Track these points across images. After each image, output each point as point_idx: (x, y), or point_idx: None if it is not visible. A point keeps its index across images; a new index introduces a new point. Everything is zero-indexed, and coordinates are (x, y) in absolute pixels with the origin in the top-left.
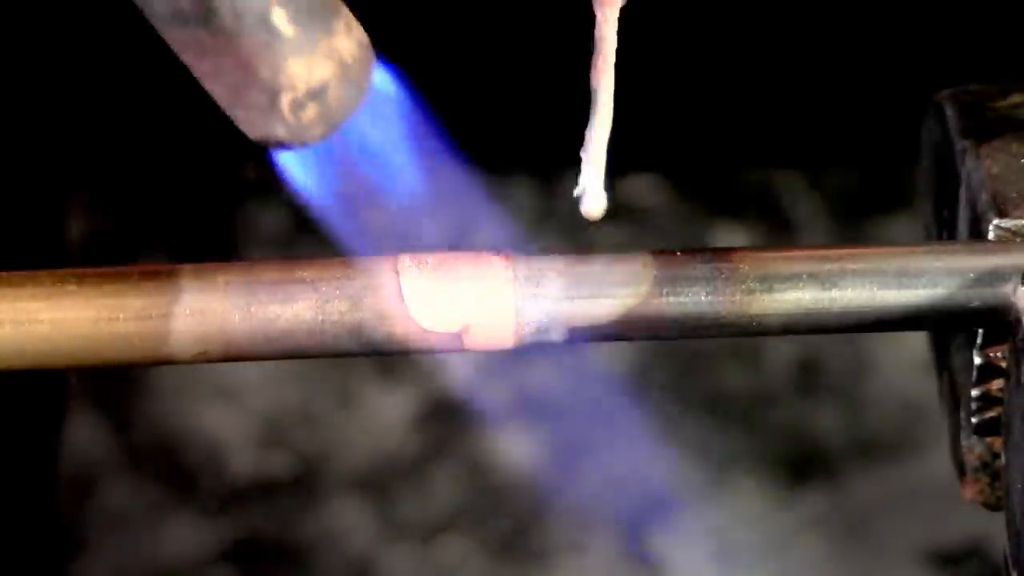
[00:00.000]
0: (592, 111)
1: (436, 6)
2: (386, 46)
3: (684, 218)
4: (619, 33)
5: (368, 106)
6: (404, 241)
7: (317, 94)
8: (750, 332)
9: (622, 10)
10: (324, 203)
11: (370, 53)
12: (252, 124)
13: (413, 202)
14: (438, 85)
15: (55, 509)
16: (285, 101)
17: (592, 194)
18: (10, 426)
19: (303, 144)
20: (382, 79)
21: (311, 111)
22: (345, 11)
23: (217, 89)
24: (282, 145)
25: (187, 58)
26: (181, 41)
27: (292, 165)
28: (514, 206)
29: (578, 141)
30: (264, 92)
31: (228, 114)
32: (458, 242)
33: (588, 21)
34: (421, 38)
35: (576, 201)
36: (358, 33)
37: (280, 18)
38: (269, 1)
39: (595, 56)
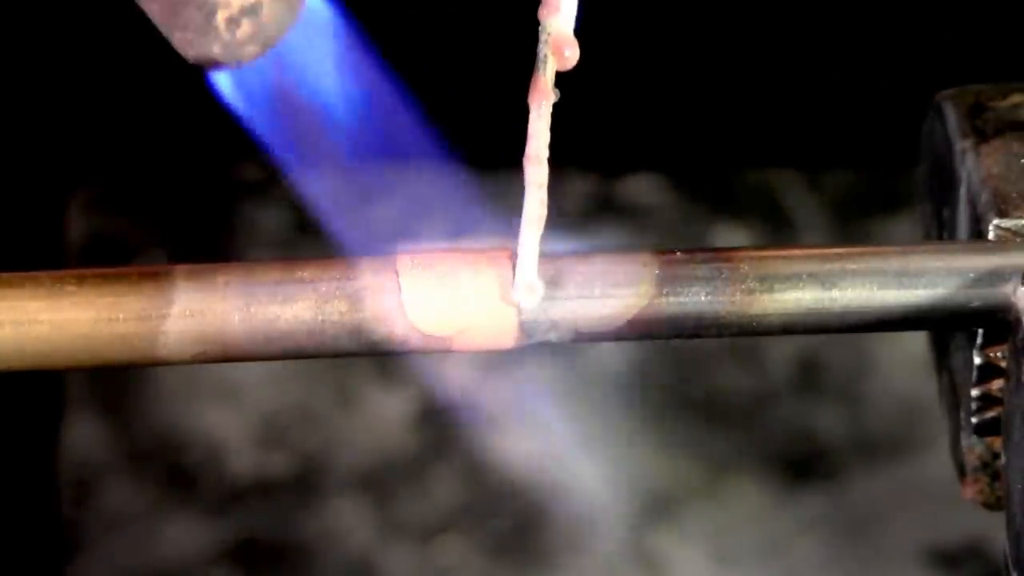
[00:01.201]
0: (524, 206)
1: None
2: (384, 46)
3: (684, 218)
4: (619, 33)
5: (300, 25)
6: (399, 241)
7: (251, 11)
8: (750, 332)
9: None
10: (260, 124)
11: None
12: (188, 43)
13: (347, 121)
14: (431, 85)
15: (55, 509)
16: (220, 18)
17: (525, 286)
18: (10, 426)
19: (238, 63)
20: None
21: (246, 28)
22: None
23: (155, 8)
24: (217, 64)
25: None
26: None
27: (227, 85)
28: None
29: (578, 138)
30: (200, 10)
31: (164, 35)
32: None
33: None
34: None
35: (576, 201)
36: None
37: None
38: None
39: (527, 150)
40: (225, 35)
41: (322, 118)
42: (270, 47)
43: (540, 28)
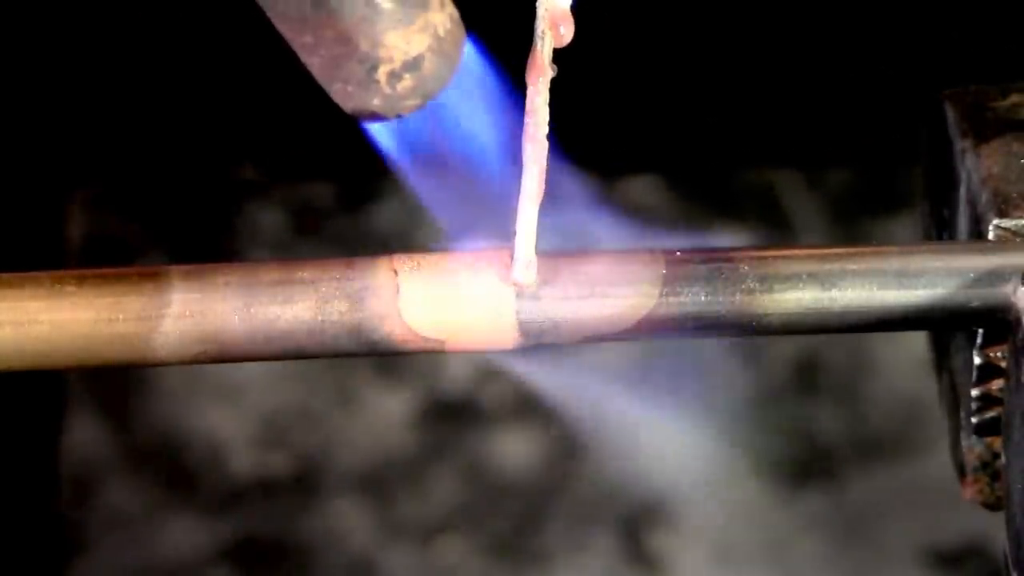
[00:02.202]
0: (522, 182)
1: None
2: (475, 23)
3: (684, 218)
4: (619, 33)
5: (458, 80)
6: (486, 216)
7: (413, 66)
8: (750, 332)
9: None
10: (413, 173)
11: (461, 27)
12: (348, 96)
13: (499, 176)
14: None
15: (55, 509)
16: (382, 73)
17: (523, 263)
18: (10, 426)
19: (397, 115)
20: (471, 54)
21: (407, 82)
22: None
23: (315, 61)
24: (376, 116)
25: (286, 31)
26: (282, 14)
27: (384, 136)
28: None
29: (578, 138)
30: (362, 64)
31: (324, 86)
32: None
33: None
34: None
35: (576, 201)
36: (450, 8)
37: None
38: None
39: (525, 128)
40: (386, 89)
41: (475, 171)
42: (430, 100)
43: (537, 4)
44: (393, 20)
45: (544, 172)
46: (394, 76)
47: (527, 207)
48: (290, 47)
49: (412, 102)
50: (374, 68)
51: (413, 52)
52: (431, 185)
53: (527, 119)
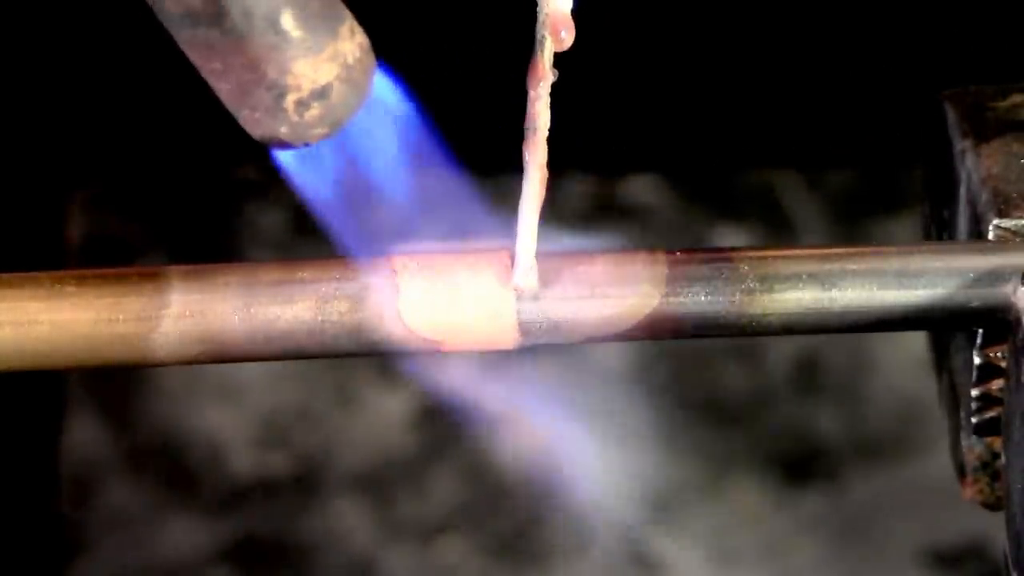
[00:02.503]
0: (524, 187)
1: (433, 10)
2: (385, 50)
3: (684, 218)
4: (619, 33)
5: (367, 109)
6: (401, 241)
7: (321, 95)
8: (750, 332)
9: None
10: (322, 202)
11: (372, 57)
12: (256, 123)
13: (408, 204)
14: (434, 88)
15: (55, 509)
16: (290, 101)
17: (524, 268)
18: (10, 426)
19: (305, 143)
20: (381, 83)
21: (315, 111)
22: (348, 15)
23: (224, 88)
24: (284, 144)
25: (196, 57)
26: (191, 41)
27: (292, 164)
28: (513, 206)
29: (578, 138)
30: (270, 91)
31: (233, 113)
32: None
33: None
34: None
35: (576, 201)
36: (360, 37)
37: (288, 20)
38: (278, 4)
39: (526, 132)
40: (294, 117)
41: (382, 199)
42: (337, 129)
43: (538, 8)
44: (302, 48)
45: (545, 176)
46: (302, 104)
47: (528, 211)
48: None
49: (320, 130)
50: (282, 96)
51: (321, 80)
52: (341, 212)
53: (528, 124)
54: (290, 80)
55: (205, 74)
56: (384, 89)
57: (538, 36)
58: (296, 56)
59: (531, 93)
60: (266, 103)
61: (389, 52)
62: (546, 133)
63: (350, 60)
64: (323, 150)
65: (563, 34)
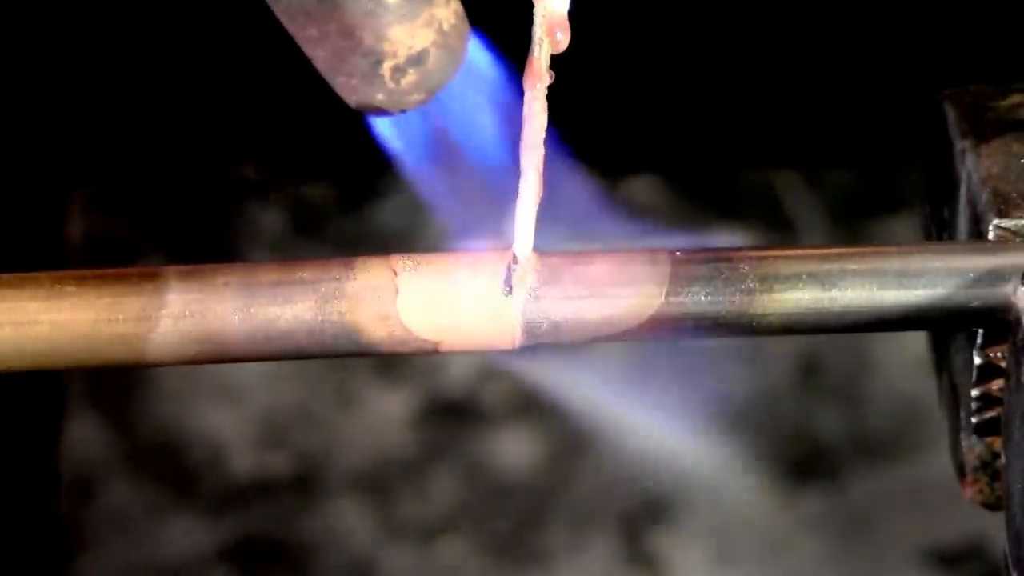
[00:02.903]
0: (521, 188)
1: None
2: (480, 18)
3: (684, 218)
4: (619, 33)
5: (462, 75)
6: (490, 211)
7: (417, 61)
8: (750, 332)
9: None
10: (417, 168)
11: (466, 23)
12: (353, 90)
13: (500, 171)
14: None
15: (55, 509)
16: (386, 67)
17: (521, 271)
18: (10, 426)
19: (401, 110)
20: (476, 50)
21: (411, 77)
22: None
23: (320, 55)
24: (380, 111)
25: (291, 25)
26: (287, 8)
27: (388, 131)
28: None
29: (578, 138)
30: (366, 58)
31: (328, 80)
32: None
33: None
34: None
35: (576, 201)
36: (455, 3)
37: None
38: None
39: (523, 134)
40: (390, 83)
41: (478, 166)
42: (434, 95)
43: (534, 10)
44: (398, 14)
45: (541, 177)
46: (398, 71)
47: (525, 211)
48: (294, 41)
49: (416, 97)
50: (378, 62)
51: (417, 47)
52: (434, 181)
53: (525, 125)
54: (386, 46)
55: (300, 41)
56: (479, 56)
57: (535, 37)
58: (392, 22)
59: (527, 94)
60: (362, 70)
61: (484, 19)
62: (543, 134)
63: (446, 26)
64: (418, 116)
65: (559, 35)
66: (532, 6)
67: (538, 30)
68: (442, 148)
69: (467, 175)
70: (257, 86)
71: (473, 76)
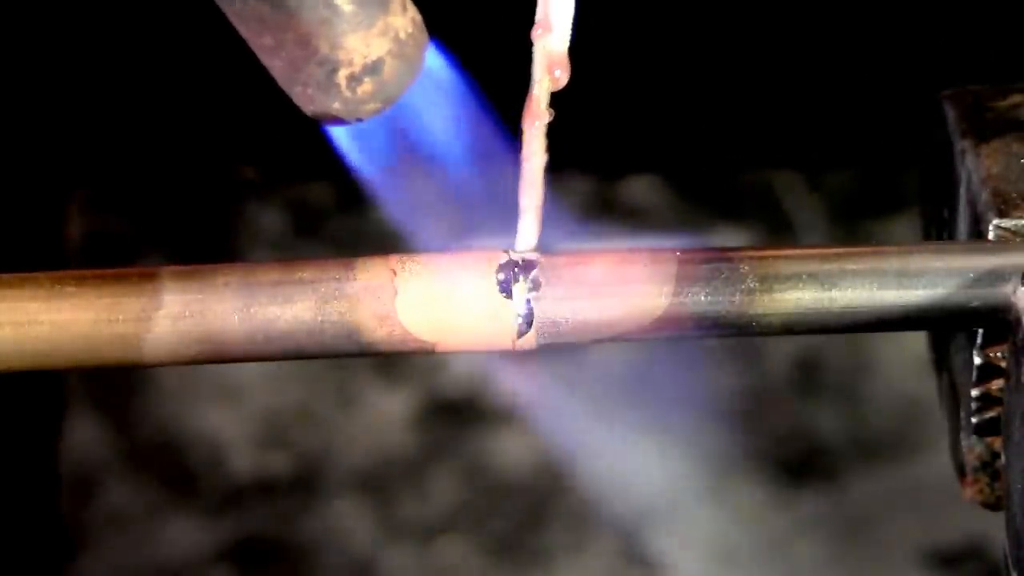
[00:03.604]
0: (519, 229)
1: None
2: (438, 27)
3: (684, 218)
4: (619, 33)
5: (419, 84)
6: (453, 217)
7: (373, 70)
8: (750, 332)
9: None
10: (374, 178)
11: (424, 32)
12: (309, 99)
13: (461, 180)
14: (486, 63)
15: (55, 509)
16: (342, 76)
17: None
18: (10, 426)
19: (357, 119)
20: (433, 58)
21: (367, 86)
22: None
23: (276, 64)
24: (337, 120)
25: (246, 32)
26: (241, 13)
27: (345, 140)
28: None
29: (578, 138)
30: (322, 67)
31: (285, 90)
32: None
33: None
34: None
35: (576, 201)
36: (412, 12)
37: None
38: None
39: (522, 173)
40: (346, 92)
41: (437, 175)
42: (390, 104)
43: (534, 48)
44: (353, 23)
45: (540, 217)
46: (354, 79)
47: (527, 212)
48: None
49: (372, 106)
50: (334, 71)
51: (373, 56)
52: (393, 189)
53: (524, 164)
54: (342, 55)
55: (256, 50)
56: (436, 65)
57: (535, 75)
58: (347, 31)
59: (526, 132)
60: (318, 79)
61: (441, 27)
62: (542, 173)
63: (402, 35)
64: (376, 126)
65: (558, 73)
66: (530, 44)
67: (538, 68)
68: (401, 158)
69: (426, 184)
70: (257, 86)
71: (432, 85)
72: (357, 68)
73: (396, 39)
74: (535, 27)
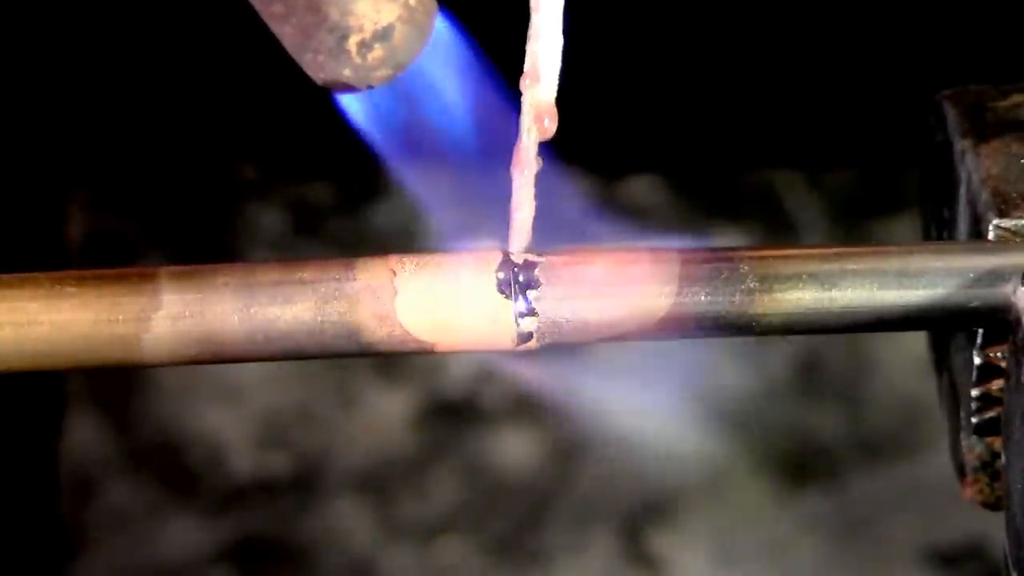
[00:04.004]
0: (513, 272)
1: None
2: None
3: (684, 218)
4: (618, 33)
5: (429, 51)
6: (461, 187)
7: (383, 36)
8: (750, 332)
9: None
10: (384, 145)
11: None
12: (320, 66)
13: (467, 148)
14: (496, 30)
15: (55, 509)
16: (353, 42)
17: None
18: (10, 426)
19: (368, 86)
20: (443, 26)
21: (377, 53)
22: None
23: (286, 31)
24: (347, 87)
25: (258, 2)
26: None
27: (355, 108)
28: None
29: (578, 138)
30: (332, 33)
31: (295, 58)
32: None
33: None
34: None
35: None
36: None
37: None
38: None
39: (512, 219)
40: (356, 59)
41: (446, 139)
42: (401, 71)
43: (522, 98)
44: None
45: (530, 231)
46: (364, 46)
47: (522, 213)
48: (264, 22)
49: (383, 72)
50: (344, 37)
51: (383, 21)
52: (404, 159)
53: (514, 214)
54: (352, 21)
55: (266, 18)
56: (446, 32)
57: (523, 126)
58: None
59: (515, 182)
60: (328, 45)
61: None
62: (531, 220)
63: (412, 1)
64: (385, 93)
65: (547, 122)
66: (520, 93)
67: (526, 118)
68: (412, 128)
69: (436, 157)
70: (257, 86)
71: (442, 52)
72: (368, 34)
73: (406, 5)
74: (523, 77)
